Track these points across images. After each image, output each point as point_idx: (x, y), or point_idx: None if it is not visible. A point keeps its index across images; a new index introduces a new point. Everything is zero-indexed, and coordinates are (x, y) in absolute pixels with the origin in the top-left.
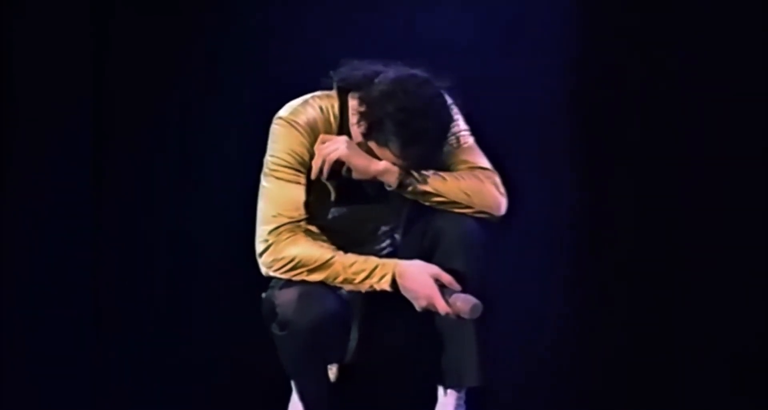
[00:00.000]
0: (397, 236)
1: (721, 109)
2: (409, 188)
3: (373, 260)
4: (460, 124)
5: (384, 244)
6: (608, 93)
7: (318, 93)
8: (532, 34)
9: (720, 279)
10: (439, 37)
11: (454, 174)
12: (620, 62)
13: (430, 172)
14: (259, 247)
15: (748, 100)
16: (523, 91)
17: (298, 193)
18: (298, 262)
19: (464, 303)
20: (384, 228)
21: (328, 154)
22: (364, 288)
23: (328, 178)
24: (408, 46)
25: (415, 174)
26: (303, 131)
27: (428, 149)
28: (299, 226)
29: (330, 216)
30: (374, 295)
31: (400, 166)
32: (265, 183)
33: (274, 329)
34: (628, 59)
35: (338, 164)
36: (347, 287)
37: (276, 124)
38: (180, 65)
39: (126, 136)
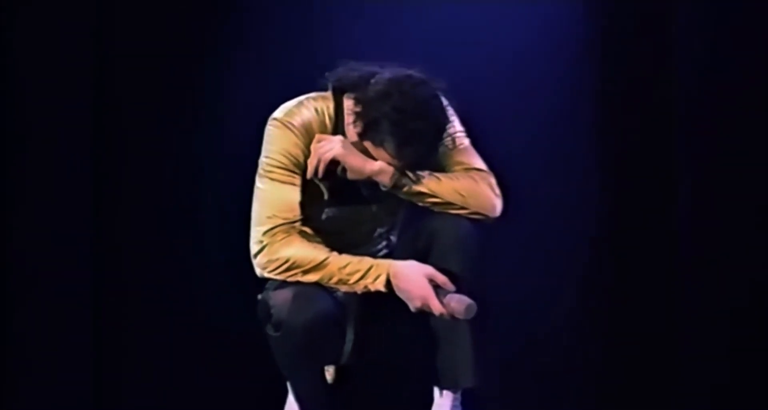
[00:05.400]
0: (393, 238)
1: (720, 111)
2: (404, 188)
3: (368, 261)
4: (456, 126)
5: (380, 246)
6: (610, 94)
7: (313, 94)
8: (535, 34)
9: (724, 281)
10: (437, 37)
11: (449, 175)
12: (618, 61)
13: (425, 173)
14: (254, 248)
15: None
16: (522, 91)
17: (293, 194)
18: (293, 263)
19: (459, 303)
20: (380, 230)
21: (324, 153)
22: (359, 288)
23: (323, 178)
24: (407, 46)
25: (410, 174)
26: (298, 132)
27: (423, 149)
28: (294, 227)
29: (325, 216)
30: (369, 296)
31: (395, 167)
32: (260, 184)
33: (269, 330)
34: (627, 58)
35: (333, 164)
36: (342, 288)
37: (271, 125)
38: (177, 66)
39: (124, 137)
